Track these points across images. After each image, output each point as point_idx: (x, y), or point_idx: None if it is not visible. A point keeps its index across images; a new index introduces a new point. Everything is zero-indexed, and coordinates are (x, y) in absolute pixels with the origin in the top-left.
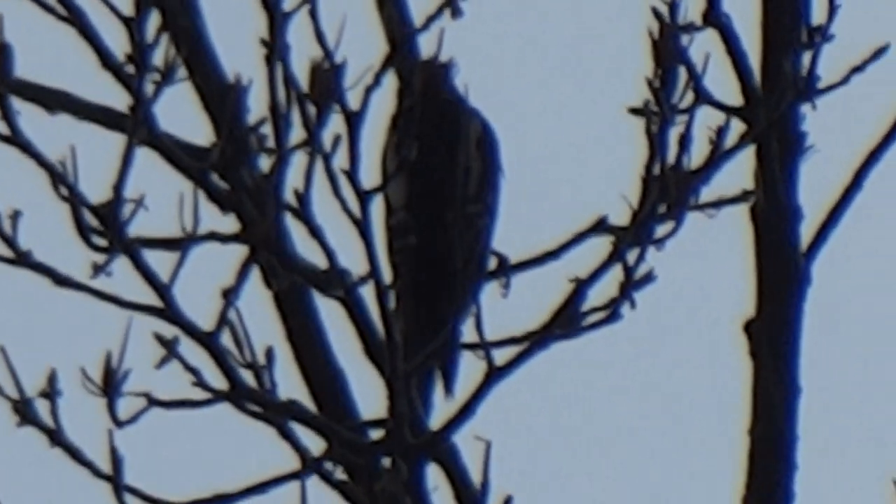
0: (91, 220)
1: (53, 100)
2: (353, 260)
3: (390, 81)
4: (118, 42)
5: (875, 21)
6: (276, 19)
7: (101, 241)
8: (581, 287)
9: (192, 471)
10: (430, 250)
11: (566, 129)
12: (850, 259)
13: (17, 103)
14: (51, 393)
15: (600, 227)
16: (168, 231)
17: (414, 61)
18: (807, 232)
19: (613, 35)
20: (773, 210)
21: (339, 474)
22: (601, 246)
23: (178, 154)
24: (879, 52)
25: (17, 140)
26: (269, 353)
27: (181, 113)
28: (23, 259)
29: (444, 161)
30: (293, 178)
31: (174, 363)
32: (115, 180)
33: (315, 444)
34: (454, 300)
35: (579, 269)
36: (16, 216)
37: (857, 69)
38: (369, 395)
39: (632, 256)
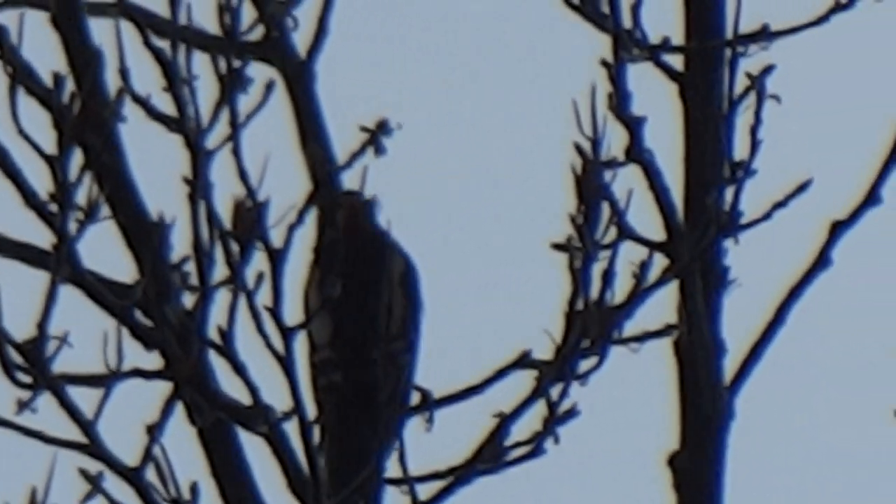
0: (15, 356)
1: None
2: (276, 396)
3: (313, 218)
4: (41, 180)
5: (797, 156)
6: (199, 157)
7: (26, 378)
8: (504, 422)
9: None
10: (355, 387)
11: (489, 263)
12: (774, 394)
13: None
14: None
15: (524, 361)
16: (92, 368)
17: (336, 195)
18: (730, 366)
19: (536, 171)
20: (696, 344)
21: None
22: (525, 380)
23: (101, 291)
24: (802, 188)
25: None
26: (194, 489)
27: (104, 250)
28: None
29: (367, 298)
30: (217, 315)
31: (99, 498)
32: (39, 317)
33: None
34: (378, 436)
35: (503, 404)
36: None
37: (780, 204)
38: None
39: (555, 391)
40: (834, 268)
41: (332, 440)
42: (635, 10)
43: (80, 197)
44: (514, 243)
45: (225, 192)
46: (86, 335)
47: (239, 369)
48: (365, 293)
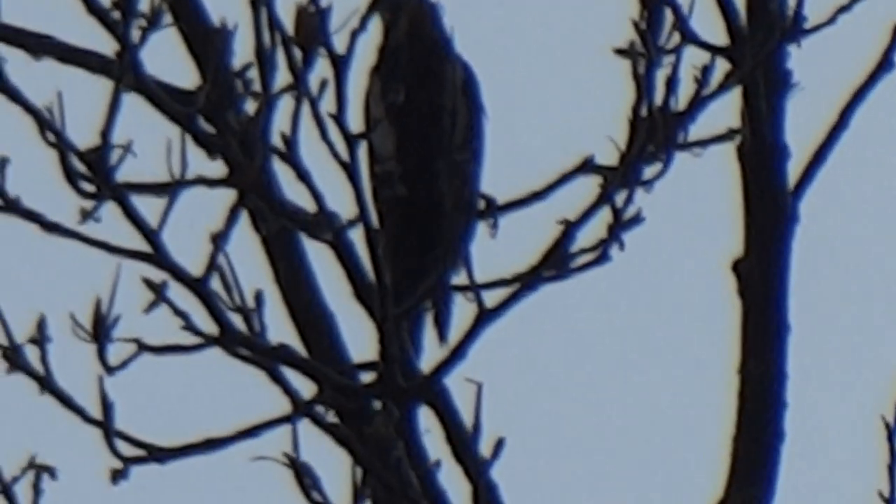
0: (79, 165)
1: (39, 45)
2: (341, 204)
3: (376, 25)
4: None
5: None
6: None
7: (90, 187)
8: (570, 228)
9: (182, 416)
10: (420, 199)
11: (552, 70)
12: (838, 197)
13: (2, 49)
14: (40, 339)
15: (588, 166)
16: (156, 176)
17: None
18: (794, 170)
19: None
20: (759, 149)
21: (331, 417)
22: (590, 187)
23: (164, 99)
24: None
25: (3, 86)
26: (259, 297)
27: (167, 58)
28: (11, 206)
29: (430, 109)
30: (280, 122)
31: (163, 308)
32: (103, 126)
33: (306, 387)
34: (444, 244)
35: (567, 211)
36: (3, 163)
37: (844, 9)
38: (360, 338)
39: (620, 197)
40: None
41: (396, 251)
42: None
43: (143, 4)
44: (578, 49)
45: None
46: (149, 143)
47: (303, 176)
48: (429, 102)
